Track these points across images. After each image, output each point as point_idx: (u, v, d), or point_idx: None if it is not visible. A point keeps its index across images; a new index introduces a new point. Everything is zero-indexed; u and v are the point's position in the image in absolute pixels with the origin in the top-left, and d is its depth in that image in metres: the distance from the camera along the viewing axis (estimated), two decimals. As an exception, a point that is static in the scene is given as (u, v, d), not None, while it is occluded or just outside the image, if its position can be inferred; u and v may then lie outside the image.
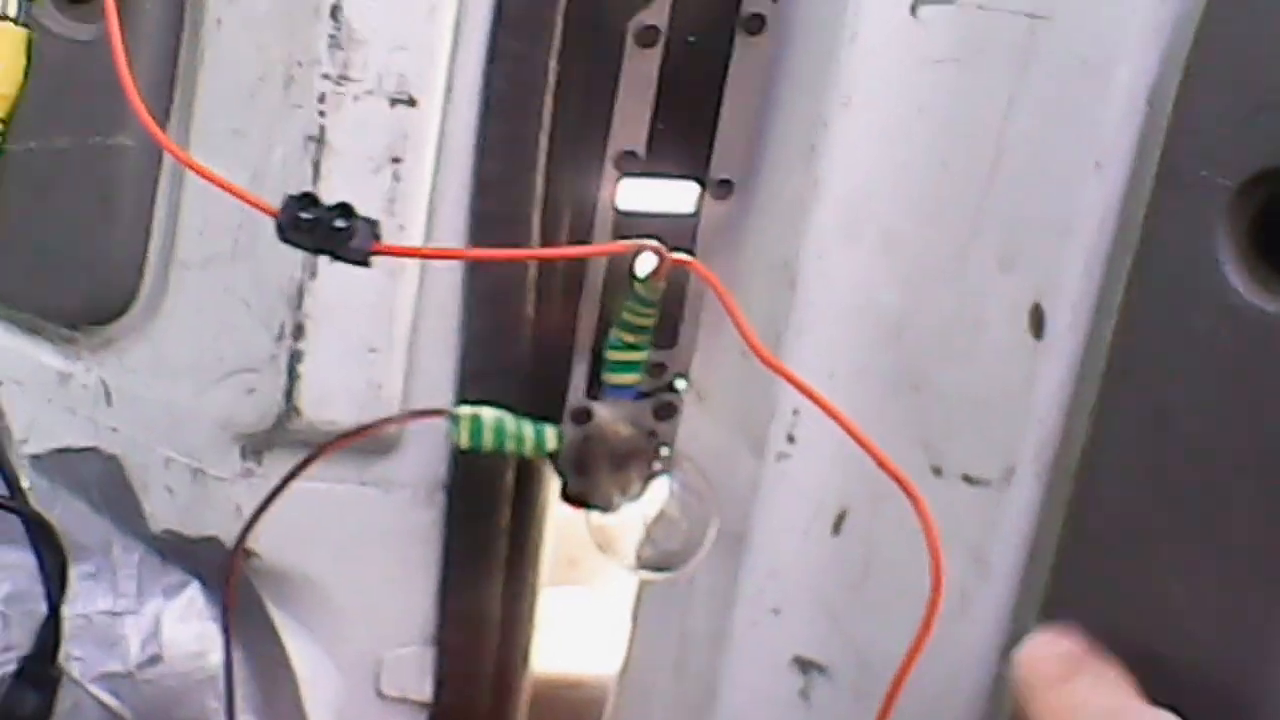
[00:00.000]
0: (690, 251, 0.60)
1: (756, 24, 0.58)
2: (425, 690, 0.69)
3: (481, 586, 0.67)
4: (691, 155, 0.60)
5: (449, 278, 0.62)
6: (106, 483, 0.66)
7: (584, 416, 0.62)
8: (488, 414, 0.61)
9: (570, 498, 0.64)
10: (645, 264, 0.55)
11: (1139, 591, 0.49)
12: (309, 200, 0.50)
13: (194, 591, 0.67)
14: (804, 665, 0.62)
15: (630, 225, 0.60)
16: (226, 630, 0.64)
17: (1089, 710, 0.47)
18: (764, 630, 0.62)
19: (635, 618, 0.69)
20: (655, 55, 0.58)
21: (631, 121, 0.59)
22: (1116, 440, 0.50)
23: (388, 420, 0.62)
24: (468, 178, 0.61)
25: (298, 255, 0.55)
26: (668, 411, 0.64)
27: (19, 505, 0.63)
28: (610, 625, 0.74)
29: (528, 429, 0.62)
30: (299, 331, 0.60)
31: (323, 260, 0.54)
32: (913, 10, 0.56)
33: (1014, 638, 0.53)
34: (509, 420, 0.61)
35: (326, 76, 0.57)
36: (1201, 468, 0.48)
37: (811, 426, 0.59)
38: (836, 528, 0.60)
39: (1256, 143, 0.47)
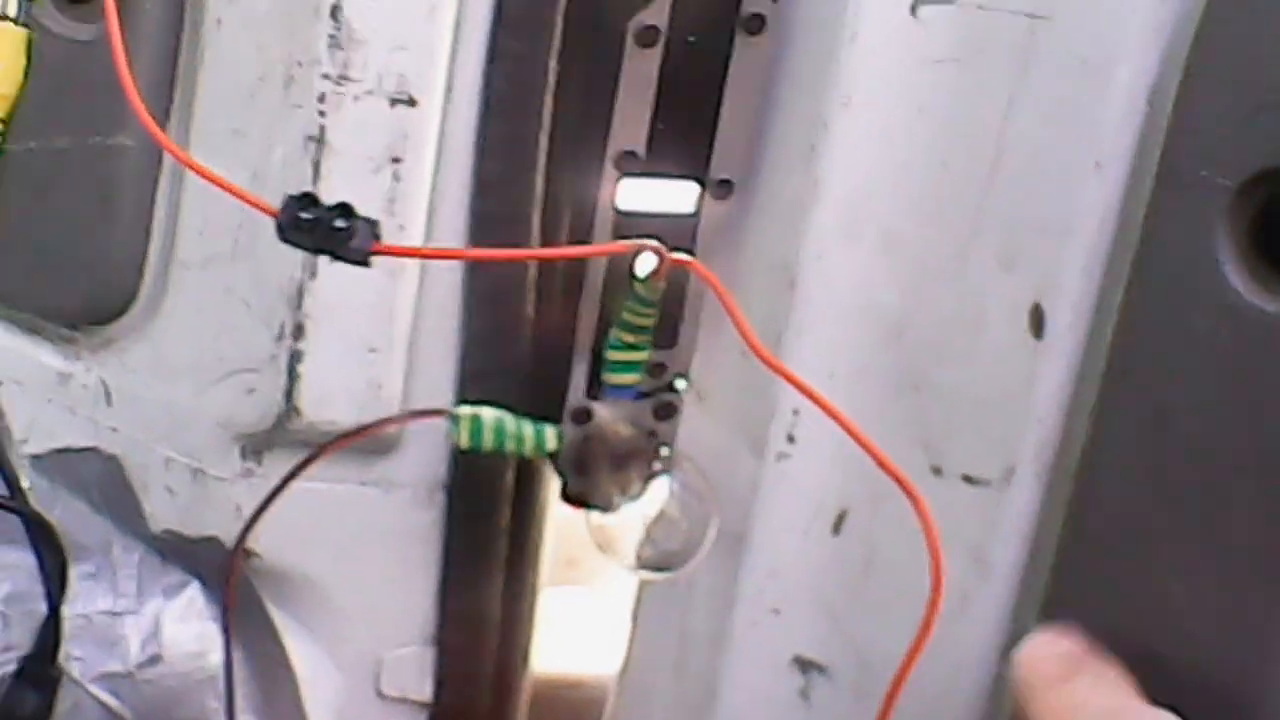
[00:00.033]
0: (690, 251, 0.60)
1: (756, 24, 0.58)
2: (425, 690, 0.69)
3: (481, 586, 0.67)
4: (691, 155, 0.60)
5: (449, 278, 0.62)
6: (106, 483, 0.66)
7: (584, 416, 0.62)
8: (488, 414, 0.61)
9: (570, 498, 0.64)
10: (645, 264, 0.55)
11: (1139, 592, 0.49)
12: (309, 200, 0.50)
13: (194, 591, 0.67)
14: (804, 665, 0.62)
15: (630, 225, 0.60)
16: (226, 630, 0.64)
17: (1089, 710, 0.47)
18: (764, 630, 0.62)
19: (635, 618, 0.69)
20: (655, 55, 0.58)
21: (631, 121, 0.59)
22: (1117, 440, 0.50)
23: (388, 420, 0.62)
24: (468, 178, 0.61)
25: (298, 255, 0.55)
26: (668, 411, 0.64)
27: (19, 505, 0.63)
28: (610, 625, 0.74)
29: (528, 429, 0.62)
30: (299, 331, 0.60)
31: (323, 260, 0.54)
32: (913, 10, 0.56)
33: (1014, 638, 0.53)
34: (509, 420, 0.61)
35: (326, 76, 0.57)
36: (1202, 468, 0.48)
37: (811, 426, 0.59)
38: (836, 528, 0.60)
39: (1257, 143, 0.47)
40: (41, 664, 0.63)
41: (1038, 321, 0.53)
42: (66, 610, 0.63)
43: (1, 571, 0.64)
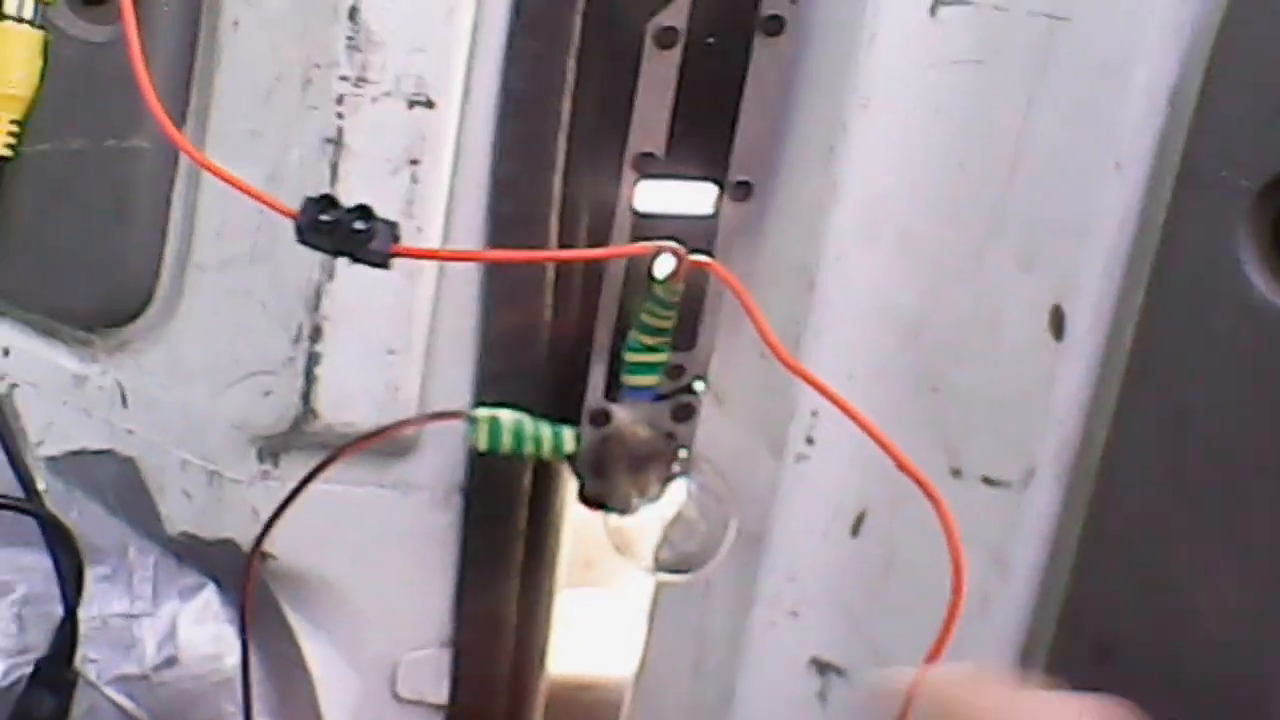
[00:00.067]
0: (709, 253, 0.60)
1: (775, 25, 0.58)
2: (441, 692, 0.69)
3: (498, 588, 0.67)
4: (710, 157, 0.60)
5: (467, 279, 0.62)
6: (122, 485, 0.66)
7: (602, 418, 0.62)
8: (506, 416, 0.61)
9: (588, 499, 0.63)
10: (664, 266, 0.55)
11: (1159, 592, 0.49)
12: (328, 202, 0.50)
13: (210, 594, 0.67)
14: (821, 667, 0.62)
15: (649, 227, 0.60)
16: (243, 632, 0.64)
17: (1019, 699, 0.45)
18: (782, 632, 0.62)
19: (652, 620, 0.69)
20: (674, 57, 0.58)
21: (650, 123, 0.59)
22: (1137, 441, 0.50)
23: (405, 422, 0.61)
24: (486, 179, 0.61)
25: (315, 257, 0.55)
26: (686, 413, 0.63)
27: (35, 507, 0.63)
28: (627, 627, 0.74)
29: (545, 431, 0.61)
30: (316, 333, 0.60)
31: (340, 262, 0.54)
32: (932, 11, 0.56)
33: (1034, 639, 0.53)
34: (527, 422, 0.61)
35: (344, 78, 0.57)
36: (1222, 468, 0.48)
37: (830, 428, 0.59)
38: (855, 529, 0.60)
39: (1278, 144, 0.47)
40: (58, 666, 0.63)
41: (1058, 322, 0.53)
42: (82, 612, 0.63)
43: (18, 574, 0.64)
